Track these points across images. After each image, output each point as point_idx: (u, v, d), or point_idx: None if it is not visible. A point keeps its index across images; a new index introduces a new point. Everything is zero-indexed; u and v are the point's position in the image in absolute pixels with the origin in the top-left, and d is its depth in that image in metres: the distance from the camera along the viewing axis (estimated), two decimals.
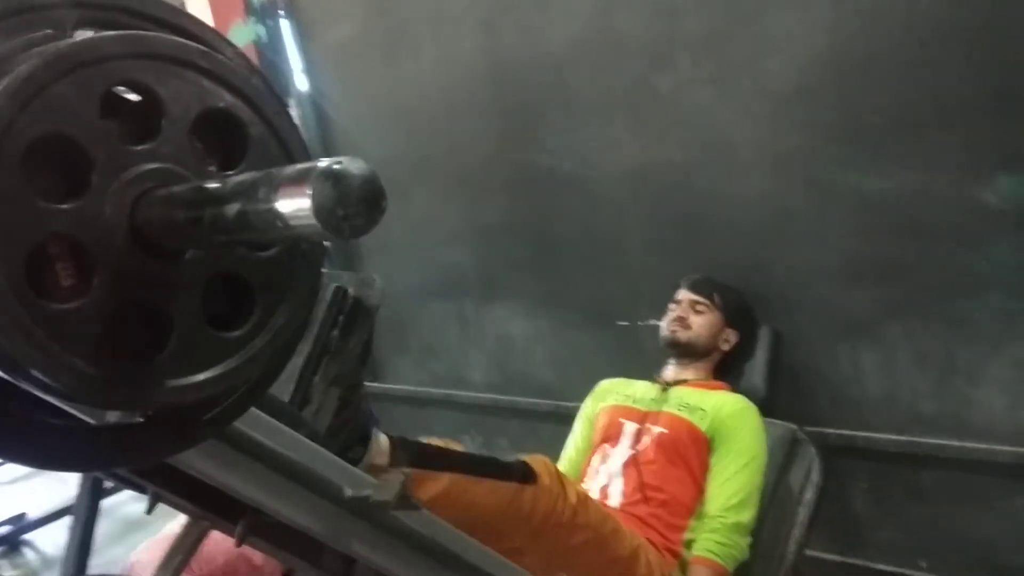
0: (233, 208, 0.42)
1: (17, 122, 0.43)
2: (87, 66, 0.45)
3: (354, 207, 0.38)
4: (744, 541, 1.71)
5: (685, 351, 2.01)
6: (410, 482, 0.94)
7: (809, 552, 1.89)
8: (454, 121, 2.74)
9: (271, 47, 3.27)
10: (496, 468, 1.34)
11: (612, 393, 2.05)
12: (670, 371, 2.05)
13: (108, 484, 2.71)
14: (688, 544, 1.73)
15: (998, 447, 1.89)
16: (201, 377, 0.50)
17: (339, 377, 1.13)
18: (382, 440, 1.24)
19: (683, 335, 2.00)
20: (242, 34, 3.24)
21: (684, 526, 1.76)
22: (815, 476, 1.87)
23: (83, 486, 2.65)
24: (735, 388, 1.98)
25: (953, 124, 1.80)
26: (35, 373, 0.44)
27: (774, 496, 1.86)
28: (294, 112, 3.24)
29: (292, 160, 0.52)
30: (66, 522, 2.68)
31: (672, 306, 2.07)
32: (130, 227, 0.46)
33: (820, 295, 2.07)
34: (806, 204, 2.05)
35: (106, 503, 2.87)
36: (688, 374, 2.01)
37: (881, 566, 2.13)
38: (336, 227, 0.38)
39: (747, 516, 1.72)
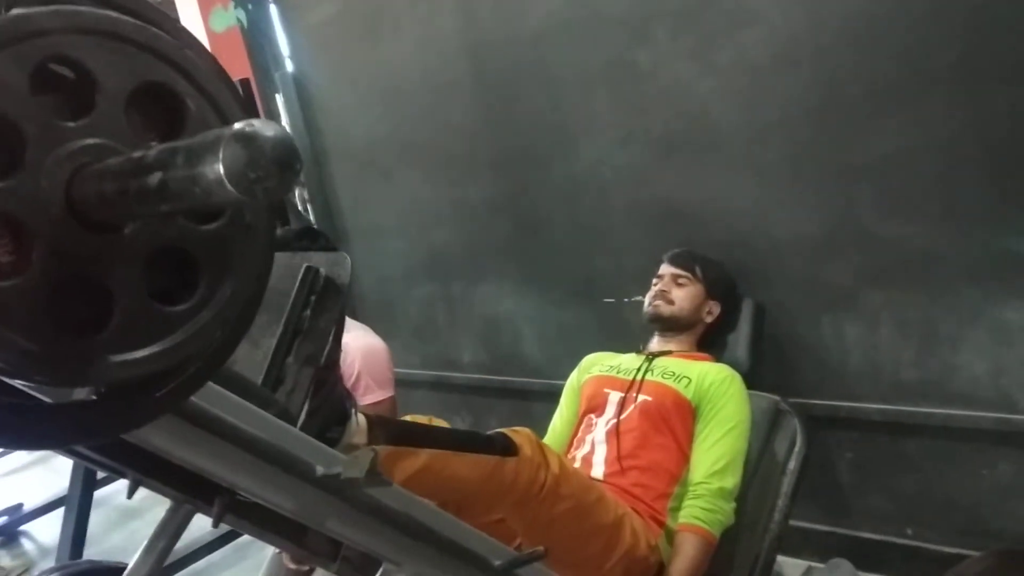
0: (155, 177, 0.42)
1: None
2: (18, 41, 0.45)
3: (265, 169, 0.38)
4: (729, 506, 1.72)
5: (668, 325, 2.02)
6: (381, 458, 0.94)
7: (794, 522, 1.90)
8: (436, 101, 2.73)
9: (257, 31, 3.25)
10: (477, 442, 1.35)
11: (597, 364, 2.07)
12: (655, 343, 2.06)
13: (101, 475, 2.74)
14: (673, 512, 1.74)
15: (981, 414, 1.90)
16: (146, 352, 0.50)
17: (312, 357, 1.13)
18: (360, 419, 1.24)
19: (665, 309, 2.01)
20: (222, 19, 3.22)
21: (669, 493, 1.77)
22: (799, 447, 1.88)
23: (75, 476, 2.67)
24: (719, 360, 1.99)
25: (932, 93, 1.79)
26: None
27: (758, 467, 1.87)
28: (280, 96, 3.23)
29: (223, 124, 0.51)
30: (62, 512, 2.71)
31: (654, 280, 2.07)
32: (66, 202, 0.46)
33: (801, 267, 2.08)
34: (786, 176, 2.05)
35: (101, 493, 2.91)
36: (672, 345, 2.02)
37: (867, 534, 2.15)
38: (248, 190, 0.38)
39: (731, 481, 1.74)
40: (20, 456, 4.11)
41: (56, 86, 0.48)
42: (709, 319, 2.04)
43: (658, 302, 2.02)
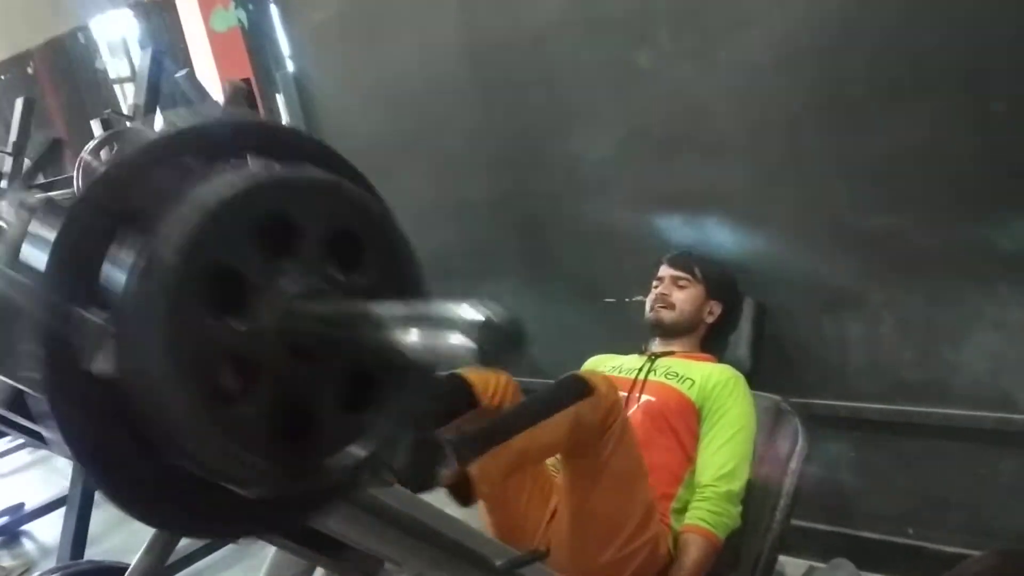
0: (386, 334, 0.48)
1: (194, 256, 0.49)
2: (245, 199, 0.52)
3: (508, 349, 0.45)
4: (736, 509, 1.73)
5: (670, 329, 2.02)
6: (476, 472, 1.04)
7: (795, 522, 1.90)
8: (437, 100, 2.73)
9: (258, 31, 3.25)
10: (556, 401, 1.36)
11: (600, 366, 2.07)
12: (657, 343, 2.06)
13: None
14: (676, 513, 1.75)
15: (982, 413, 1.90)
16: (343, 455, 0.57)
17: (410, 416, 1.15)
18: (448, 451, 1.24)
19: (667, 315, 2.01)
20: (223, 19, 3.22)
21: (672, 494, 1.77)
22: (800, 446, 1.88)
23: (76, 476, 2.67)
24: (720, 360, 1.99)
25: (933, 91, 1.79)
26: (219, 469, 0.52)
27: (760, 468, 1.87)
28: (281, 96, 3.23)
29: (400, 262, 0.61)
30: (63, 512, 2.71)
31: (655, 283, 2.07)
32: (282, 336, 0.52)
33: (803, 266, 2.07)
34: (788, 175, 2.05)
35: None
36: (675, 346, 2.02)
37: (868, 534, 2.15)
38: (491, 363, 0.44)
39: (738, 484, 1.74)
40: (21, 456, 4.11)
41: (271, 232, 0.54)
42: (710, 319, 2.04)
43: (658, 306, 2.02)
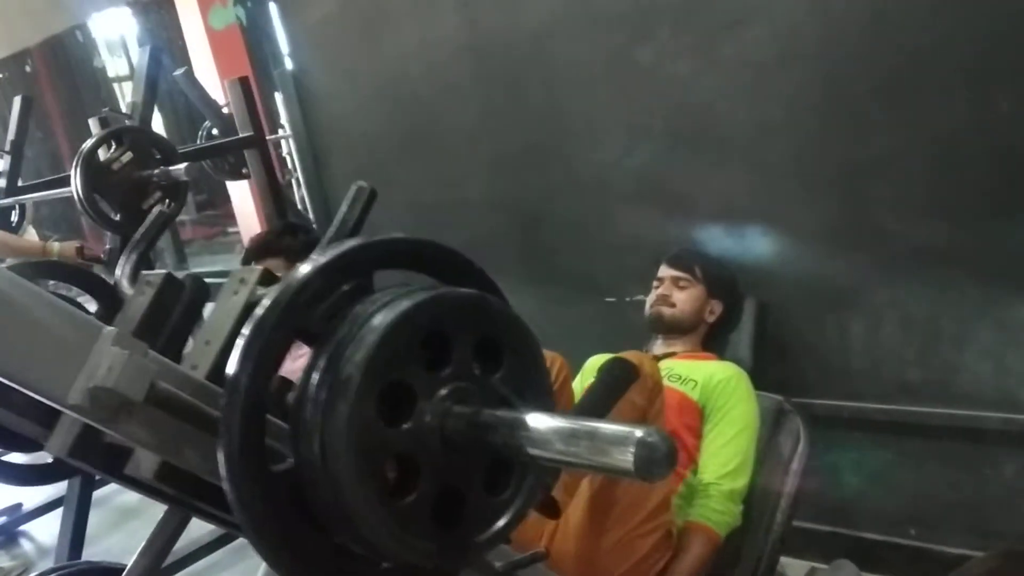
0: (553, 447, 0.55)
1: (373, 373, 0.56)
2: (413, 317, 0.58)
3: (662, 468, 0.50)
4: (737, 508, 1.72)
5: (671, 329, 2.01)
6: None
7: (797, 523, 1.89)
8: (437, 99, 2.72)
9: (257, 28, 3.24)
10: (614, 391, 1.37)
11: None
12: (659, 345, 2.04)
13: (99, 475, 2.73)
14: (677, 511, 1.74)
15: (985, 413, 1.89)
16: (487, 535, 0.64)
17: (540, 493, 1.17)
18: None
19: (667, 314, 2.00)
20: (222, 16, 3.21)
21: (674, 491, 1.76)
22: (802, 447, 1.87)
23: (73, 477, 2.65)
24: (722, 359, 1.98)
25: (937, 89, 1.78)
26: (391, 551, 0.58)
27: (761, 468, 1.86)
28: (279, 93, 3.22)
29: (532, 360, 0.67)
30: (61, 512, 2.70)
31: (655, 283, 2.06)
32: (441, 437, 0.60)
33: (805, 265, 2.06)
34: (789, 173, 2.04)
35: (100, 493, 2.90)
36: (677, 347, 2.01)
37: (870, 535, 2.14)
38: (647, 478, 0.50)
39: (741, 483, 1.74)
40: (19, 456, 4.10)
41: (429, 345, 0.61)
42: (711, 319, 2.03)
43: (659, 306, 2.01)
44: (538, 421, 0.56)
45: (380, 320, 0.58)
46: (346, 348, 0.57)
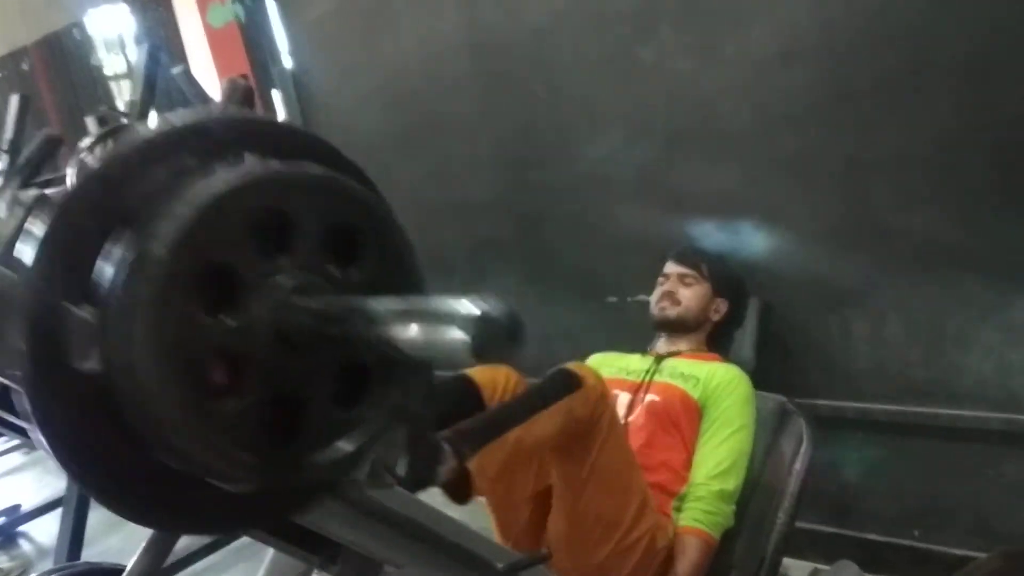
0: (382, 329, 0.48)
1: (185, 251, 0.49)
2: (240, 193, 0.51)
3: (504, 344, 0.44)
4: (729, 508, 1.72)
5: (676, 327, 2.00)
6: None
7: (800, 523, 1.88)
8: (437, 97, 2.71)
9: (255, 26, 3.23)
10: (548, 395, 1.35)
11: (605, 366, 2.04)
12: (662, 343, 2.03)
13: None
14: (677, 512, 1.73)
15: (989, 414, 1.89)
16: (333, 452, 0.57)
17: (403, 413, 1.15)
18: (446, 448, 1.23)
19: (673, 312, 1.99)
20: (220, 14, 3.19)
21: (676, 492, 1.76)
22: (805, 447, 1.86)
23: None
24: (726, 359, 1.97)
25: (940, 87, 1.78)
26: (205, 464, 0.52)
27: (764, 468, 1.86)
28: (278, 92, 3.21)
29: (398, 258, 0.60)
30: (60, 513, 2.69)
31: (660, 280, 2.05)
32: (275, 331, 0.52)
33: (809, 265, 2.06)
34: (793, 172, 2.03)
35: None
36: (681, 345, 2.00)
37: (873, 536, 2.14)
38: (485, 358, 0.44)
39: (732, 484, 1.73)
40: (17, 457, 4.10)
41: (266, 229, 0.53)
42: (716, 317, 2.02)
43: (664, 304, 2.00)
44: (375, 304, 0.50)
45: (200, 192, 0.50)
46: (157, 224, 0.49)
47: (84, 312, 0.49)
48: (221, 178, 0.51)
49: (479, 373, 1.49)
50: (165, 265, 0.48)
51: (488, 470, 1.33)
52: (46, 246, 0.49)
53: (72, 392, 0.49)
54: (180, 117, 0.55)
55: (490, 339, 0.43)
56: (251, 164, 0.54)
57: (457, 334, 0.43)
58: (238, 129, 0.57)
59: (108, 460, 0.51)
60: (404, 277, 0.60)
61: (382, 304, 0.49)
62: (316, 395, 0.56)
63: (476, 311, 0.44)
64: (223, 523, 0.62)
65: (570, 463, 1.47)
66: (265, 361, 0.52)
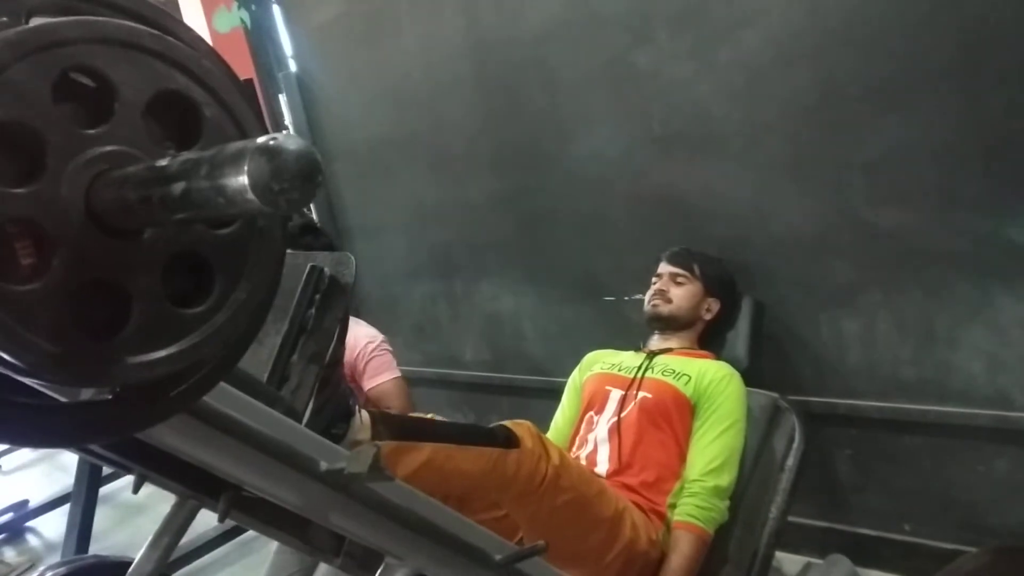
0: (179, 187, 0.43)
1: None
2: (40, 51, 0.46)
3: (289, 182, 0.39)
4: (723, 504, 1.74)
5: (667, 324, 2.04)
6: (384, 453, 0.96)
7: (792, 518, 1.91)
8: (438, 101, 2.75)
9: (261, 31, 3.27)
10: (479, 435, 1.38)
11: (598, 362, 2.09)
12: (655, 340, 2.07)
13: (107, 471, 2.76)
14: (672, 508, 1.76)
15: (978, 411, 1.91)
16: (163, 353, 0.51)
17: (316, 355, 1.15)
18: (363, 416, 1.26)
19: (664, 308, 2.03)
20: (226, 19, 3.23)
21: (669, 489, 1.79)
22: (797, 443, 1.90)
23: (80, 472, 2.69)
24: (719, 358, 2.00)
25: (929, 90, 1.80)
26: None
27: (757, 464, 1.89)
28: (283, 96, 3.25)
29: (246, 137, 0.50)
30: (68, 508, 2.73)
31: (654, 280, 2.09)
32: (87, 208, 0.47)
33: (800, 265, 2.09)
34: (785, 174, 2.06)
35: (106, 489, 2.93)
36: (673, 343, 2.04)
37: (865, 530, 2.16)
38: (272, 201, 0.39)
39: (726, 480, 1.76)
40: (26, 453, 4.13)
41: (76, 94, 0.48)
42: (708, 316, 2.06)
43: (656, 301, 2.04)
44: (173, 160, 0.44)
45: (6, 37, 0.45)
46: None
47: None
48: (20, 30, 0.46)
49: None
50: None
51: (396, 465, 1.31)
52: None
53: None
54: None
55: (273, 174, 0.39)
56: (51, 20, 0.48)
57: (239, 175, 0.39)
58: None
59: None
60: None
61: (178, 159, 0.45)
62: (144, 288, 0.50)
63: (256, 144, 0.39)
64: (32, 436, 0.56)
65: (523, 515, 1.46)
66: (75, 242, 0.47)
